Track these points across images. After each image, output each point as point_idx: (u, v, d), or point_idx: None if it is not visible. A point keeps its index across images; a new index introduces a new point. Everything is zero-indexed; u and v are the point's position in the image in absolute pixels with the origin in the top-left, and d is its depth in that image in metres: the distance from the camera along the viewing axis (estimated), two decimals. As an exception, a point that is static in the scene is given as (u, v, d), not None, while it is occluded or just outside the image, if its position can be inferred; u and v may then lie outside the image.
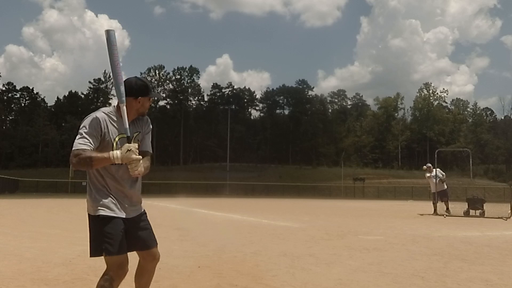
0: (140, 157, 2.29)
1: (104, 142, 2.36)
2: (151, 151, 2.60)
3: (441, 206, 13.31)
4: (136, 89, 2.44)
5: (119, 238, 2.38)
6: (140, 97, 2.45)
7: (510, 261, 5.16)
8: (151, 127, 2.63)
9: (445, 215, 12.46)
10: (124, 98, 2.36)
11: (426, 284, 3.89)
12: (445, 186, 13.69)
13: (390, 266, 4.70)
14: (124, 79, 2.46)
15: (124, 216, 2.44)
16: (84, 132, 2.30)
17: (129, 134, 2.32)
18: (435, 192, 13.65)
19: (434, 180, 13.63)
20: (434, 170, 13.88)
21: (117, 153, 2.26)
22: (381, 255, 5.42)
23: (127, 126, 2.34)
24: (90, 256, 2.43)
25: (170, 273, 4.12)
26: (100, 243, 2.37)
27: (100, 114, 2.38)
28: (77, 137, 2.30)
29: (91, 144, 2.28)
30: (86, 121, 2.35)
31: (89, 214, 2.46)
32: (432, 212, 13.48)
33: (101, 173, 2.41)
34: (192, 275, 4.13)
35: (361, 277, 4.12)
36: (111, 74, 2.45)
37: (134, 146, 2.27)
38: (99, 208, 2.39)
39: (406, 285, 3.83)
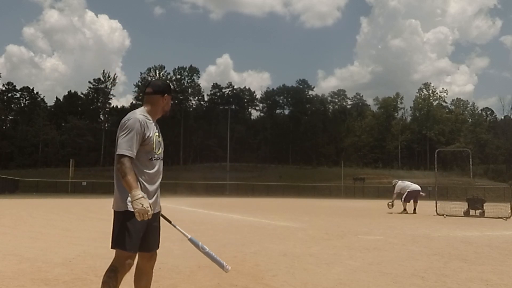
0: (148, 211, 2.38)
1: (145, 141, 2.54)
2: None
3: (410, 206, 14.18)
4: (163, 87, 2.70)
5: (139, 236, 2.51)
6: (166, 95, 2.68)
7: (510, 261, 5.16)
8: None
9: (445, 215, 12.46)
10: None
11: (426, 284, 3.89)
12: (406, 190, 14.56)
13: (390, 266, 4.70)
14: (149, 81, 2.84)
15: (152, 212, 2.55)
16: (129, 135, 2.47)
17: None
18: (411, 191, 14.55)
19: (412, 185, 14.81)
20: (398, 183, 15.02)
21: (137, 198, 2.36)
22: (381, 255, 5.42)
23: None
24: (111, 248, 2.54)
25: (170, 273, 4.12)
26: (122, 237, 2.48)
27: (141, 117, 2.55)
28: (122, 138, 2.46)
29: (135, 149, 2.47)
30: (130, 124, 2.50)
31: (116, 211, 2.55)
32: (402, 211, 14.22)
33: (138, 168, 2.54)
34: (192, 275, 4.13)
35: (361, 277, 4.12)
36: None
37: (150, 210, 2.39)
38: (128, 203, 2.47)
39: (406, 285, 3.83)
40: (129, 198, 2.43)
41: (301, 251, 5.69)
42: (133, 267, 2.59)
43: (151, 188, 2.59)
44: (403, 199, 14.56)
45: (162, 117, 2.76)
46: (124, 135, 2.46)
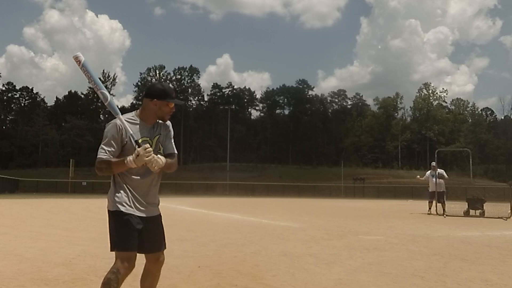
0: (153, 155, 2.36)
1: (126, 146, 2.47)
2: (175, 152, 2.68)
3: (436, 206, 13.38)
4: (153, 91, 2.53)
5: (132, 235, 2.48)
6: (155, 100, 2.50)
7: (510, 261, 5.16)
8: (172, 131, 2.70)
9: (444, 215, 12.46)
10: (118, 112, 2.47)
11: (426, 284, 3.89)
12: (443, 188, 13.73)
13: (390, 266, 4.70)
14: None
15: (141, 215, 2.54)
16: (106, 140, 2.46)
17: (136, 139, 2.43)
18: (433, 192, 13.69)
19: (435, 180, 13.64)
20: (438, 170, 13.99)
21: (130, 158, 2.37)
22: (381, 255, 5.42)
23: (130, 132, 2.43)
24: (111, 250, 2.52)
25: (170, 273, 4.12)
26: (115, 237, 2.49)
27: (119, 121, 2.47)
28: (101, 144, 2.46)
29: (110, 152, 2.43)
30: (110, 128, 2.49)
31: (108, 210, 2.56)
32: (428, 211, 13.56)
33: (121, 179, 2.53)
34: (192, 275, 4.13)
35: (361, 277, 4.12)
36: (99, 94, 2.55)
37: (143, 147, 2.35)
38: (118, 204, 2.50)
39: (406, 285, 3.83)
40: (119, 199, 2.47)
41: (301, 251, 5.69)
42: (139, 266, 2.59)
43: (140, 194, 2.54)
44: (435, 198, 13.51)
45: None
46: (101, 142, 2.46)
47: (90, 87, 78.40)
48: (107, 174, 2.47)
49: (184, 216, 12.70)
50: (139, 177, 2.53)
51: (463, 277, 4.17)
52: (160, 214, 2.73)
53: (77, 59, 2.51)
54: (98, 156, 2.43)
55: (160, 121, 2.61)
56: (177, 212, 14.58)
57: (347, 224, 10.11)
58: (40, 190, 38.89)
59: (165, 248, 2.74)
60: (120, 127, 2.46)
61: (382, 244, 6.50)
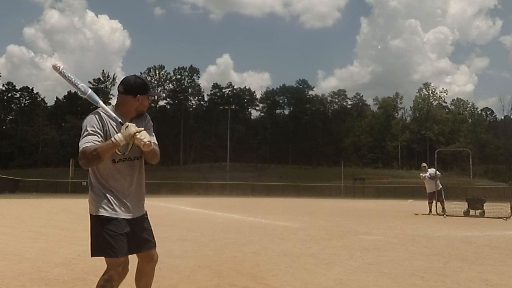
0: (142, 128, 2.29)
1: (108, 134, 2.36)
2: (156, 143, 2.54)
3: (436, 206, 13.36)
4: (135, 87, 2.42)
5: (120, 240, 2.37)
6: (138, 95, 2.42)
7: (510, 261, 5.16)
8: (151, 122, 2.60)
9: (444, 215, 12.46)
10: (98, 101, 2.43)
11: (426, 284, 3.89)
12: (440, 186, 13.71)
13: (390, 266, 4.70)
14: (124, 77, 2.53)
15: (126, 217, 2.43)
16: (87, 131, 2.32)
17: (120, 119, 2.35)
18: (430, 192, 13.72)
19: (431, 180, 13.68)
20: (429, 170, 14.00)
21: (118, 135, 2.26)
22: (381, 255, 5.42)
23: (118, 118, 2.35)
24: (91, 256, 2.44)
25: (170, 273, 4.11)
26: (101, 244, 2.38)
27: (98, 112, 2.40)
28: (81, 138, 2.31)
29: (95, 141, 2.28)
30: (87, 121, 2.37)
31: (90, 214, 2.46)
32: (428, 212, 13.54)
33: (101, 172, 2.41)
34: (192, 275, 4.13)
35: (361, 277, 4.12)
36: (78, 91, 2.53)
37: (130, 123, 2.28)
38: (100, 208, 2.39)
39: (406, 285, 3.83)
40: (102, 202, 2.38)
41: (301, 251, 5.69)
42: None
43: (121, 195, 2.42)
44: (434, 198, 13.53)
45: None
46: (82, 135, 2.32)
47: (90, 88, 78.68)
48: (94, 163, 2.28)
49: (184, 216, 12.69)
50: (120, 176, 2.42)
51: (463, 277, 4.17)
52: (146, 212, 2.62)
53: (56, 68, 2.50)
54: (82, 148, 2.25)
55: (139, 115, 2.51)
56: (177, 212, 14.57)
57: (347, 224, 10.11)
58: (40, 190, 38.88)
59: (155, 246, 2.62)
60: (102, 118, 2.37)
61: (382, 244, 6.50)
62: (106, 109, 2.38)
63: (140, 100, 2.44)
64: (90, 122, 2.35)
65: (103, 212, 2.39)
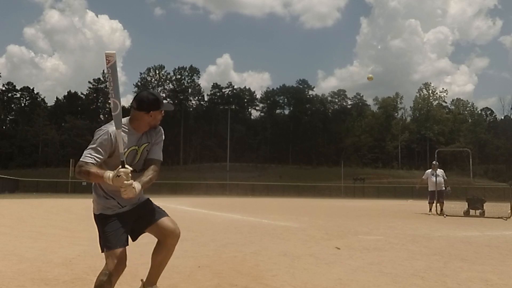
0: (131, 182, 2.32)
1: (114, 154, 2.46)
2: (160, 159, 2.68)
3: (436, 206, 13.36)
4: (148, 103, 2.52)
5: (119, 233, 2.50)
6: (151, 111, 2.53)
7: (510, 261, 5.16)
8: (163, 137, 2.75)
9: (444, 215, 12.46)
10: (120, 125, 2.41)
11: (426, 284, 3.89)
12: (443, 187, 13.70)
13: (390, 266, 4.70)
14: (138, 92, 2.65)
15: (126, 210, 2.58)
16: (94, 145, 2.43)
17: (123, 159, 2.36)
18: (433, 191, 13.67)
19: (434, 179, 13.64)
20: (438, 170, 13.98)
21: (109, 175, 2.33)
22: (381, 255, 5.42)
23: (123, 151, 2.38)
24: (101, 252, 2.58)
25: (170, 273, 4.11)
26: (102, 239, 2.54)
27: (112, 128, 2.45)
28: (87, 148, 2.44)
29: (97, 159, 2.41)
30: (101, 135, 2.45)
31: (94, 214, 2.63)
32: (428, 211, 13.53)
33: (103, 185, 2.57)
34: (192, 275, 4.13)
35: (361, 277, 4.12)
36: (111, 101, 2.40)
37: (125, 171, 2.30)
38: (101, 207, 2.58)
39: (406, 285, 3.83)
40: (101, 202, 2.54)
41: (301, 251, 5.68)
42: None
43: (121, 198, 2.50)
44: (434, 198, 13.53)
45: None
46: (90, 145, 2.44)
47: (90, 88, 78.64)
48: (84, 179, 2.42)
49: (184, 216, 12.69)
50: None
51: (463, 277, 4.17)
52: (148, 198, 2.76)
53: (109, 57, 2.34)
54: (82, 158, 2.38)
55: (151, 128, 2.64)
56: (177, 212, 14.58)
57: (347, 224, 10.11)
58: (40, 190, 38.89)
59: (167, 215, 2.75)
60: (114, 139, 2.43)
61: (382, 244, 6.49)
62: (119, 139, 2.39)
63: (153, 116, 2.56)
64: (102, 137, 2.44)
65: (102, 211, 2.55)
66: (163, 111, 2.62)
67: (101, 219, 2.55)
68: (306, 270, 4.44)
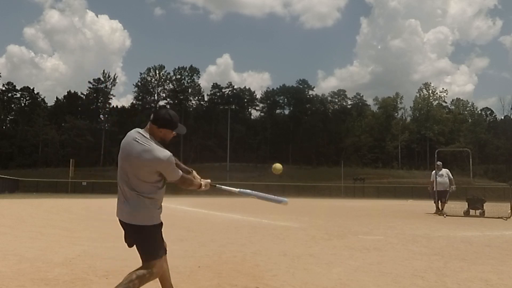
0: (208, 180, 3.17)
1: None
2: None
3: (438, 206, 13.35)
4: (162, 121, 2.78)
5: (162, 240, 2.91)
6: (162, 129, 2.79)
7: (510, 261, 5.16)
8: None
9: (444, 215, 12.46)
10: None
11: (426, 284, 3.89)
12: (448, 188, 13.63)
13: (390, 266, 4.70)
14: (159, 109, 3.14)
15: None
16: (174, 164, 2.83)
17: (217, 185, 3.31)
18: (436, 191, 13.62)
19: (439, 178, 13.58)
20: (442, 169, 13.90)
21: (206, 182, 3.12)
22: (381, 255, 5.42)
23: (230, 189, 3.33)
24: (150, 260, 2.76)
25: (170, 273, 4.10)
26: (154, 247, 2.79)
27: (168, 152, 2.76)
28: (172, 169, 2.77)
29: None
30: (170, 156, 2.73)
31: (144, 225, 2.75)
32: (435, 211, 13.50)
33: (162, 189, 2.84)
34: (192, 275, 4.13)
35: (361, 277, 4.12)
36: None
37: (206, 181, 3.13)
38: (155, 218, 2.82)
39: (406, 285, 3.83)
40: (156, 213, 2.85)
41: (301, 251, 5.69)
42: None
43: (161, 203, 2.91)
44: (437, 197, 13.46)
45: None
46: (172, 165, 2.76)
47: (90, 88, 78.55)
48: (186, 186, 2.93)
49: (184, 216, 12.69)
50: (164, 189, 2.89)
51: (463, 277, 4.17)
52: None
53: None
54: (178, 173, 2.80)
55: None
56: (177, 212, 14.56)
57: (347, 224, 10.11)
58: (40, 190, 38.86)
59: None
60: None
61: (382, 244, 6.50)
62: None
63: (163, 132, 2.80)
64: (172, 157, 2.77)
65: (157, 222, 2.85)
66: (174, 133, 2.87)
67: (157, 228, 2.81)
68: (306, 270, 4.44)
